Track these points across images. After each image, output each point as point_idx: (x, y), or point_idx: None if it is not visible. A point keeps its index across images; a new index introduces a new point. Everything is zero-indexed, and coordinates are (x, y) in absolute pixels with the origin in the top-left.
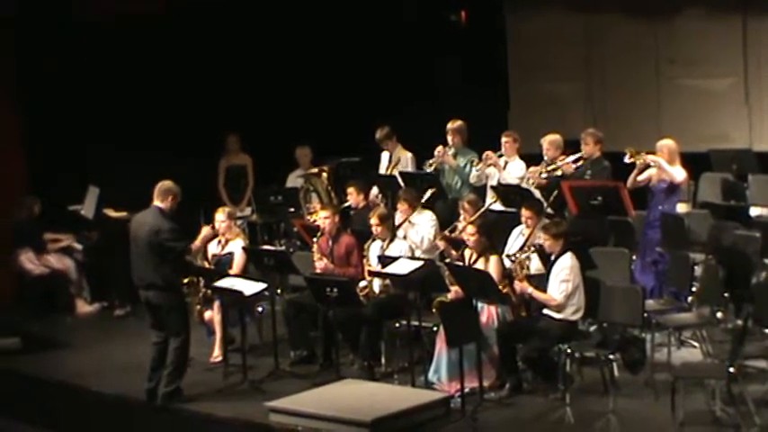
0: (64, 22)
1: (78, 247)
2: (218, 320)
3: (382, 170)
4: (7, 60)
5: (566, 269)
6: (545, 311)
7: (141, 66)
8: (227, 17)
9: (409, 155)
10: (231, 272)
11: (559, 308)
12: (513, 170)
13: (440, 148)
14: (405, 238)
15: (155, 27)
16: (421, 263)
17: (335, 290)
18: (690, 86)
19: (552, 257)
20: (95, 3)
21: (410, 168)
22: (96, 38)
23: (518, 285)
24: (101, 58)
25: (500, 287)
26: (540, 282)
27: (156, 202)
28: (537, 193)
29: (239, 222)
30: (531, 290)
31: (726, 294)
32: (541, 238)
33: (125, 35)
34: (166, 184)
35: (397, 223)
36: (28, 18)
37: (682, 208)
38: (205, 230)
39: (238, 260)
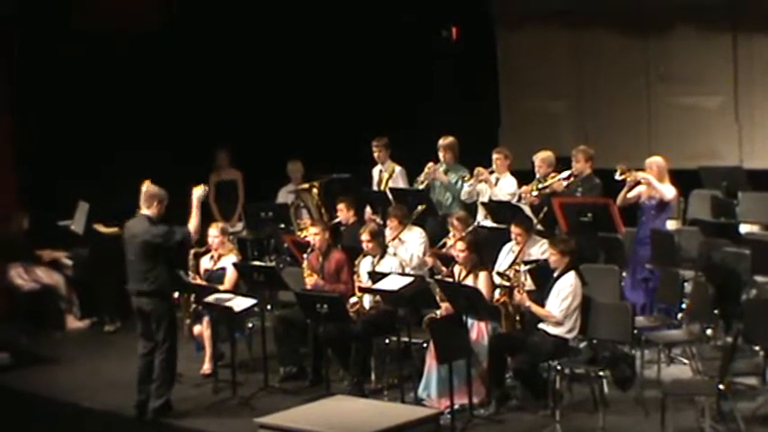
0: (59, 35)
1: (68, 262)
2: (208, 336)
3: (375, 186)
4: (3, 68)
5: (568, 287)
6: (540, 326)
7: (132, 81)
8: (217, 33)
9: (399, 168)
10: (222, 287)
11: (557, 324)
12: (505, 186)
13: (430, 164)
14: (395, 254)
15: (146, 42)
16: (411, 279)
17: (325, 306)
18: (680, 104)
19: (556, 274)
20: (88, 19)
21: (401, 181)
22: (86, 53)
23: (518, 297)
24: (90, 74)
25: (497, 297)
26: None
27: (144, 210)
28: (527, 210)
29: (230, 237)
30: (529, 303)
31: (716, 311)
32: (535, 255)
33: (117, 50)
34: (151, 189)
35: (387, 239)
36: (24, 29)
37: (672, 225)
38: (196, 192)
39: (230, 276)
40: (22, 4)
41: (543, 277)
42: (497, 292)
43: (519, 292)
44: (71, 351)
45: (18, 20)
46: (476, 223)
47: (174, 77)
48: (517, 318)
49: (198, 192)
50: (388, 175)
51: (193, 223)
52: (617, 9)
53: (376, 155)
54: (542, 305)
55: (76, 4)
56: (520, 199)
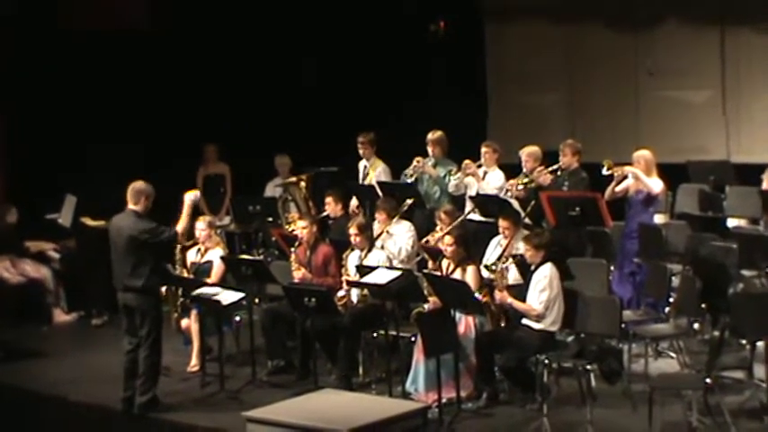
0: (48, 31)
1: (55, 255)
2: (196, 329)
3: (360, 180)
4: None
5: (545, 279)
6: (524, 321)
7: (119, 75)
8: (205, 28)
9: (383, 166)
10: (209, 281)
11: (539, 317)
12: (492, 180)
13: (418, 158)
14: (382, 248)
15: (134, 38)
16: (399, 273)
17: (313, 299)
18: (668, 98)
19: (532, 267)
20: (79, 14)
21: (383, 179)
22: (76, 48)
23: (498, 295)
24: (78, 67)
25: (479, 296)
26: (518, 292)
27: (131, 206)
28: (515, 204)
29: (218, 231)
30: (511, 300)
31: (703, 305)
32: (522, 249)
33: (106, 45)
34: (138, 185)
35: (375, 233)
36: (17, 27)
37: (659, 219)
38: (189, 196)
39: (217, 269)
40: (17, 4)
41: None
42: (477, 294)
43: (499, 290)
44: (58, 345)
45: (14, 19)
46: (463, 216)
47: (162, 73)
48: (501, 315)
49: (190, 196)
50: (371, 171)
51: (182, 225)
52: (605, 3)
53: (361, 151)
54: (525, 300)
55: (68, 3)
56: (507, 193)
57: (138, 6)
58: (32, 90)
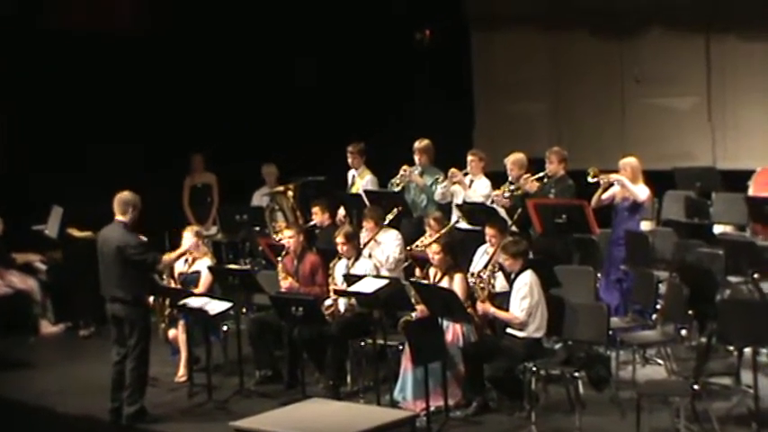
0: (31, 34)
1: (42, 267)
2: (183, 340)
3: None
4: None
5: (525, 286)
6: (508, 330)
7: (108, 85)
8: (192, 37)
9: (370, 176)
10: (197, 291)
11: (522, 325)
12: (479, 188)
13: (405, 167)
14: (370, 256)
15: (123, 46)
16: (386, 281)
17: (300, 309)
18: (654, 105)
19: (512, 276)
20: (64, 17)
21: (371, 188)
22: (60, 55)
23: (480, 306)
24: (66, 77)
25: (464, 306)
26: (505, 299)
27: (119, 217)
28: (502, 212)
29: (205, 241)
30: (493, 310)
31: (690, 312)
32: (501, 258)
33: (93, 54)
34: (124, 196)
35: (362, 242)
36: (11, 24)
37: (646, 226)
38: (186, 240)
39: (204, 279)
40: (17, 4)
41: None
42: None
43: (481, 301)
44: (45, 356)
45: (14, 19)
46: (450, 225)
47: (149, 82)
48: (486, 324)
49: (191, 240)
50: (359, 180)
51: (171, 256)
52: (591, 11)
53: (350, 161)
54: (508, 308)
55: (57, 3)
56: (493, 201)
57: (137, 8)
58: (16, 99)
